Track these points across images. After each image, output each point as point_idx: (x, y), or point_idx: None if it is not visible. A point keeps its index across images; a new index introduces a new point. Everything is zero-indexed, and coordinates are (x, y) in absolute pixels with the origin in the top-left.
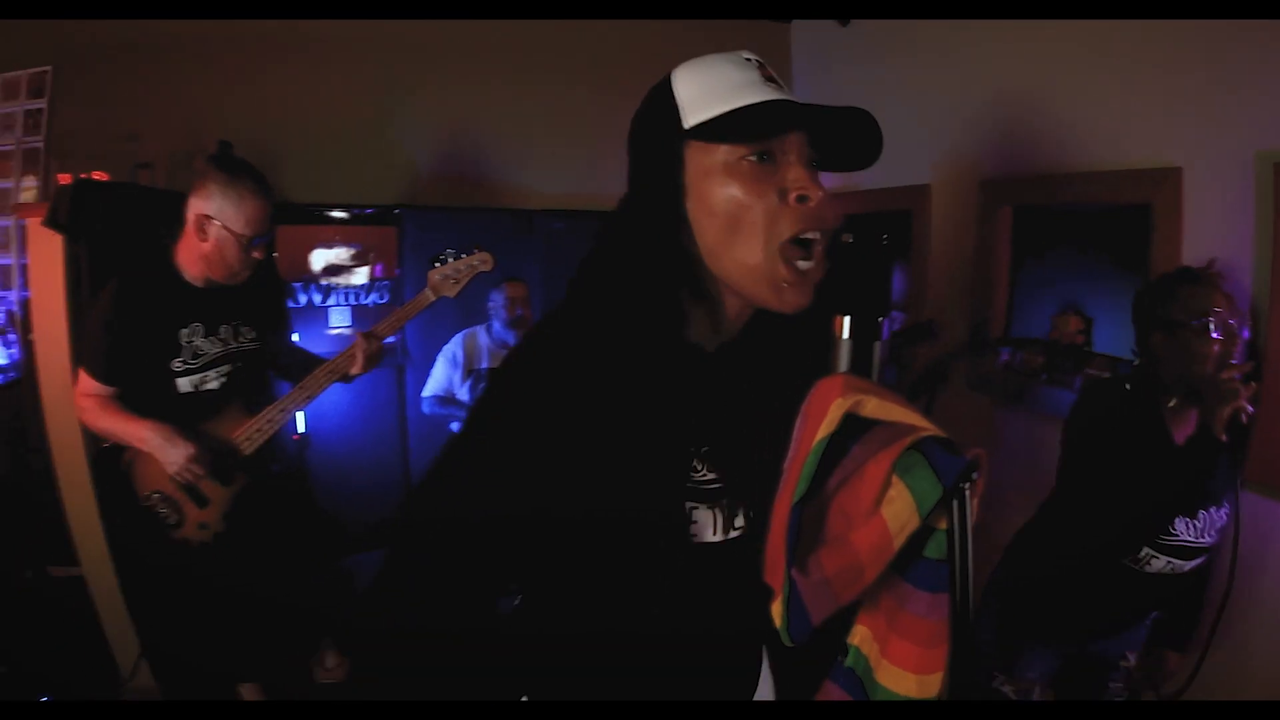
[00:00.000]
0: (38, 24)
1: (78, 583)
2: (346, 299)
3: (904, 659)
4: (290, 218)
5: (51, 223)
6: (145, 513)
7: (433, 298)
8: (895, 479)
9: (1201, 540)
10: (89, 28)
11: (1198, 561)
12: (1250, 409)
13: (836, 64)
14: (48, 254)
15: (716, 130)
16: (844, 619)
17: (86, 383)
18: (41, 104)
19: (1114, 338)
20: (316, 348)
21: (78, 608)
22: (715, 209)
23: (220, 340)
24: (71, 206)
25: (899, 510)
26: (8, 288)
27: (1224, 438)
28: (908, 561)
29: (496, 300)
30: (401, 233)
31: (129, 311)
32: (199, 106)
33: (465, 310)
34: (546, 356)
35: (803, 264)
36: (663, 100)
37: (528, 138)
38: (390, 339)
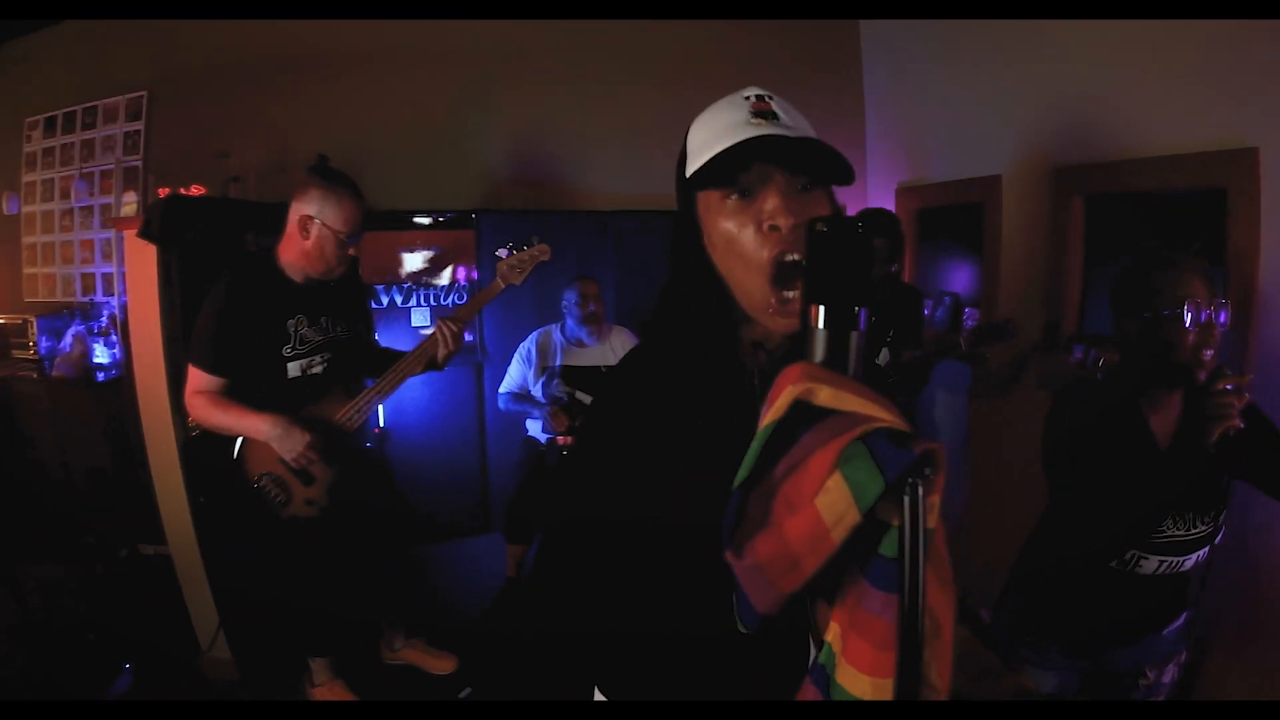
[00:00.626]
0: (134, 51)
1: (165, 560)
2: (427, 300)
3: (859, 659)
4: (373, 224)
5: (145, 234)
6: (256, 494)
7: (502, 285)
8: (835, 470)
9: (1194, 533)
10: (181, 53)
11: (1198, 556)
12: (1241, 425)
13: (907, 61)
14: (143, 263)
15: (700, 178)
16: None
17: (197, 378)
18: (139, 126)
19: None
20: (400, 346)
21: (164, 583)
22: (718, 244)
23: (321, 329)
24: (163, 219)
25: (834, 501)
26: (110, 293)
27: (1213, 449)
28: (867, 557)
29: (569, 298)
30: (479, 236)
31: (239, 305)
32: (284, 124)
33: (540, 310)
34: (625, 384)
35: (789, 294)
36: (681, 149)
37: (598, 140)
38: (467, 336)
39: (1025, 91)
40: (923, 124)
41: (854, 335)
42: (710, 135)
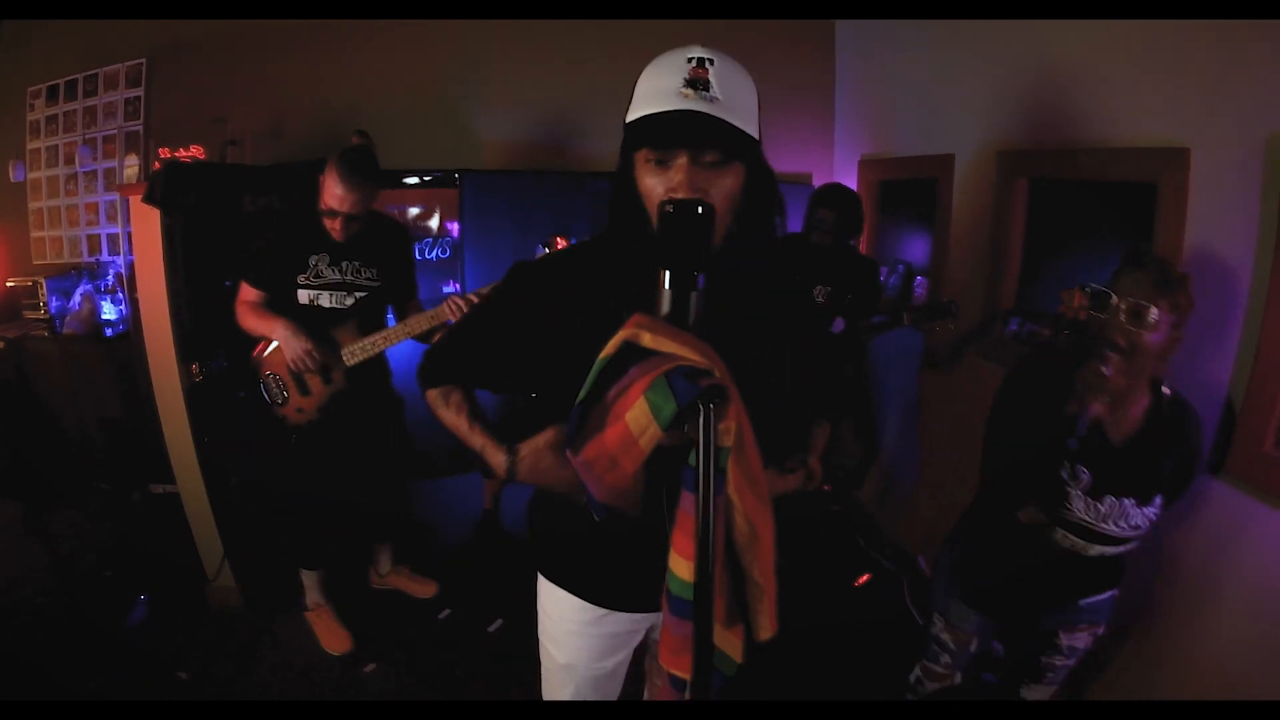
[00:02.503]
0: (133, 20)
1: (174, 499)
2: (417, 252)
3: (679, 546)
4: None
5: (149, 199)
6: (259, 386)
7: None
8: (642, 395)
9: (1105, 527)
10: (180, 20)
11: (1104, 550)
12: (1104, 410)
13: (876, 44)
14: (147, 226)
15: (630, 131)
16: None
17: (246, 291)
18: (139, 92)
19: None
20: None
21: (173, 520)
22: (642, 188)
23: (340, 270)
24: (165, 185)
25: (638, 417)
26: (115, 253)
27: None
28: (682, 466)
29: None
30: (462, 193)
31: (284, 234)
32: (279, 89)
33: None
34: (553, 258)
35: None
36: (632, 90)
37: (575, 106)
38: (453, 287)
39: (980, 78)
40: (887, 102)
41: (693, 295)
42: (648, 92)
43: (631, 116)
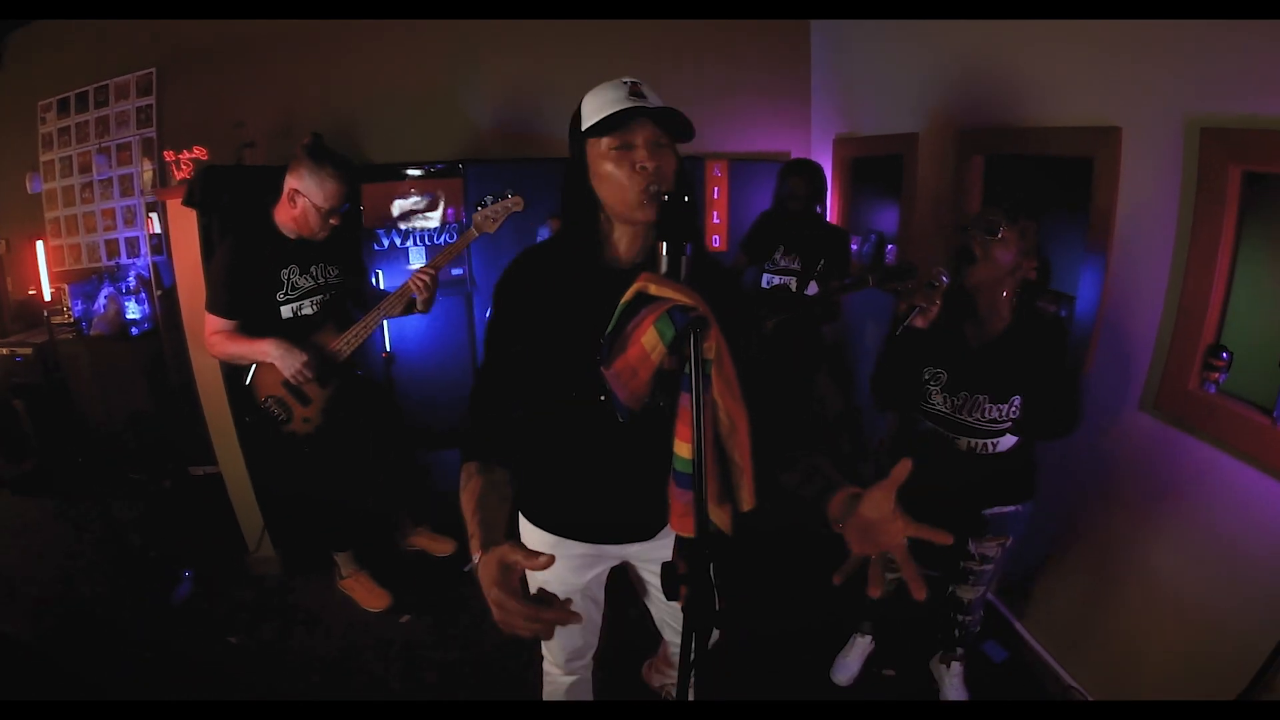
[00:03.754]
0: (140, 30)
1: (209, 480)
2: (422, 240)
3: (680, 432)
4: (374, 176)
5: (188, 202)
6: (263, 414)
7: (476, 234)
8: (652, 324)
9: (962, 418)
10: (186, 27)
11: (971, 441)
12: (921, 325)
13: (848, 31)
14: (185, 226)
15: (594, 131)
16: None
17: (213, 321)
18: (150, 100)
19: (1063, 277)
20: (400, 282)
21: (209, 500)
22: (601, 177)
23: (311, 276)
24: (203, 188)
25: (650, 339)
26: (133, 255)
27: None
28: (681, 374)
29: (544, 235)
30: (466, 183)
31: (243, 259)
32: (291, 90)
33: (522, 246)
34: (516, 268)
35: (649, 200)
36: (576, 115)
37: (573, 99)
38: (457, 270)
39: (940, 64)
40: (857, 86)
41: (683, 259)
42: (600, 104)
43: (588, 124)
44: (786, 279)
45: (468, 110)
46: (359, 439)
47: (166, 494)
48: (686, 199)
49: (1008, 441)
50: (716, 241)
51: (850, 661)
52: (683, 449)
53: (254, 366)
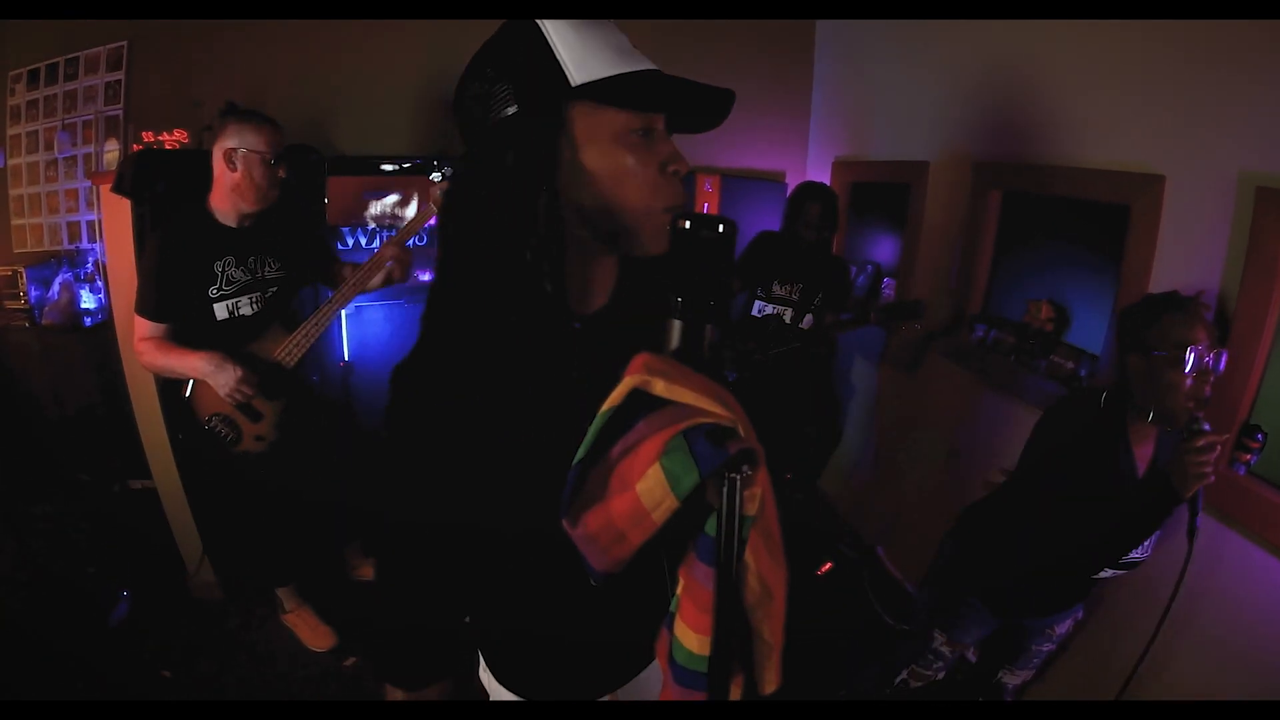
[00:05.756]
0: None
1: (153, 493)
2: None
3: (688, 616)
4: (342, 169)
5: (118, 189)
6: (208, 434)
7: (434, 210)
8: (656, 460)
9: (1142, 555)
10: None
11: (1116, 574)
12: (1213, 479)
13: (856, 48)
14: (119, 215)
15: (613, 93)
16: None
17: (142, 325)
18: (120, 75)
19: (1082, 330)
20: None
21: (153, 515)
22: (603, 173)
23: (248, 269)
24: (135, 173)
25: (652, 488)
26: (94, 240)
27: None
28: (696, 532)
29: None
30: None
31: (171, 253)
32: (258, 72)
33: None
34: (445, 333)
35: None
36: (538, 54)
37: None
38: (411, 241)
39: (958, 89)
40: (864, 106)
41: (708, 327)
42: (604, 51)
43: (592, 75)
44: (781, 309)
45: (443, 103)
46: (319, 455)
47: (113, 500)
48: (722, 228)
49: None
50: None
51: None
52: (692, 640)
53: (191, 381)
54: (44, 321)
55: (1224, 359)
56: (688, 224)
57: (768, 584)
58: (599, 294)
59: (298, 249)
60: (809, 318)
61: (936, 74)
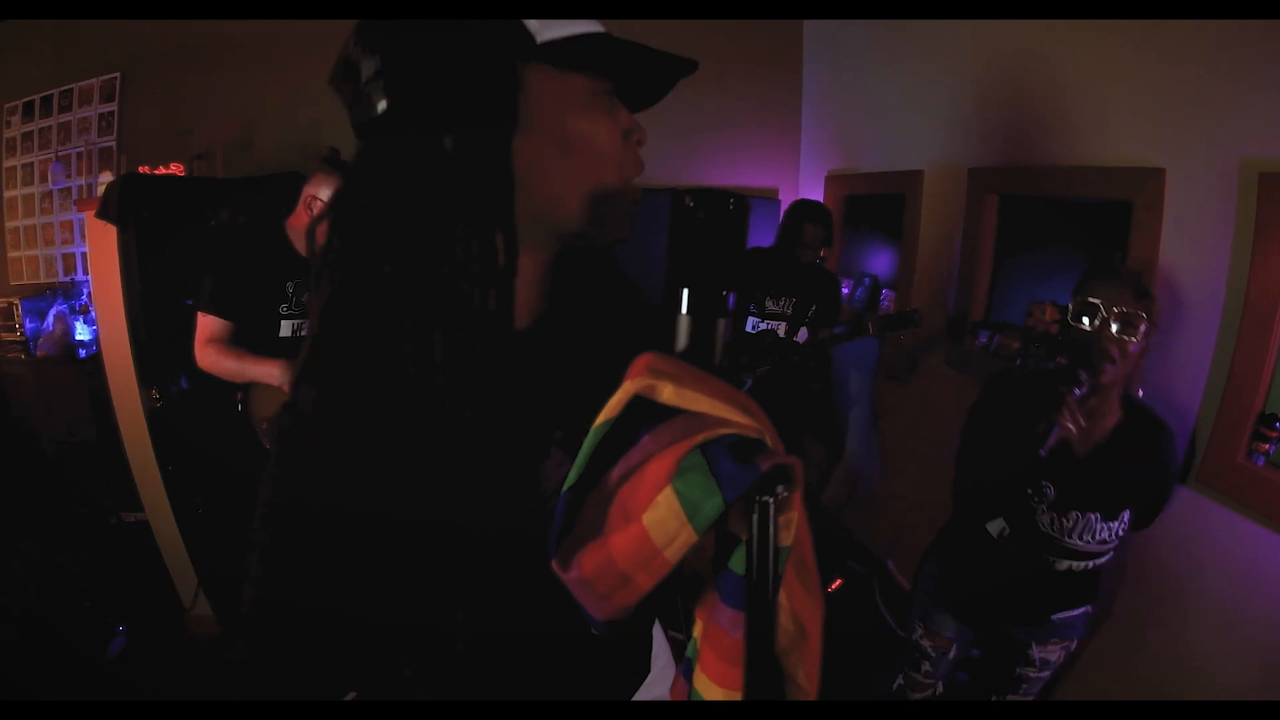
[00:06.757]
0: (106, 33)
1: (145, 527)
2: None
3: (710, 668)
4: None
5: (103, 215)
6: (257, 437)
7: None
8: (668, 483)
9: (1071, 541)
10: (153, 32)
11: (1072, 564)
12: (1073, 429)
13: (844, 57)
14: (104, 243)
15: (583, 54)
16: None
17: (205, 325)
18: (113, 107)
19: None
20: None
21: (149, 548)
22: (572, 147)
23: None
24: (120, 200)
25: (663, 519)
26: (88, 272)
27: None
28: (719, 568)
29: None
30: None
31: (244, 256)
32: (251, 100)
33: None
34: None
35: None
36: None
37: None
38: None
39: (951, 95)
40: (856, 117)
41: (721, 322)
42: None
43: (553, 34)
44: (774, 324)
45: None
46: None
47: (110, 533)
48: (733, 203)
49: (1107, 559)
50: None
51: None
52: (716, 694)
53: (248, 389)
54: (39, 353)
55: (1141, 330)
56: (692, 202)
57: (802, 623)
58: (536, 300)
59: None
60: (803, 332)
61: (926, 81)
